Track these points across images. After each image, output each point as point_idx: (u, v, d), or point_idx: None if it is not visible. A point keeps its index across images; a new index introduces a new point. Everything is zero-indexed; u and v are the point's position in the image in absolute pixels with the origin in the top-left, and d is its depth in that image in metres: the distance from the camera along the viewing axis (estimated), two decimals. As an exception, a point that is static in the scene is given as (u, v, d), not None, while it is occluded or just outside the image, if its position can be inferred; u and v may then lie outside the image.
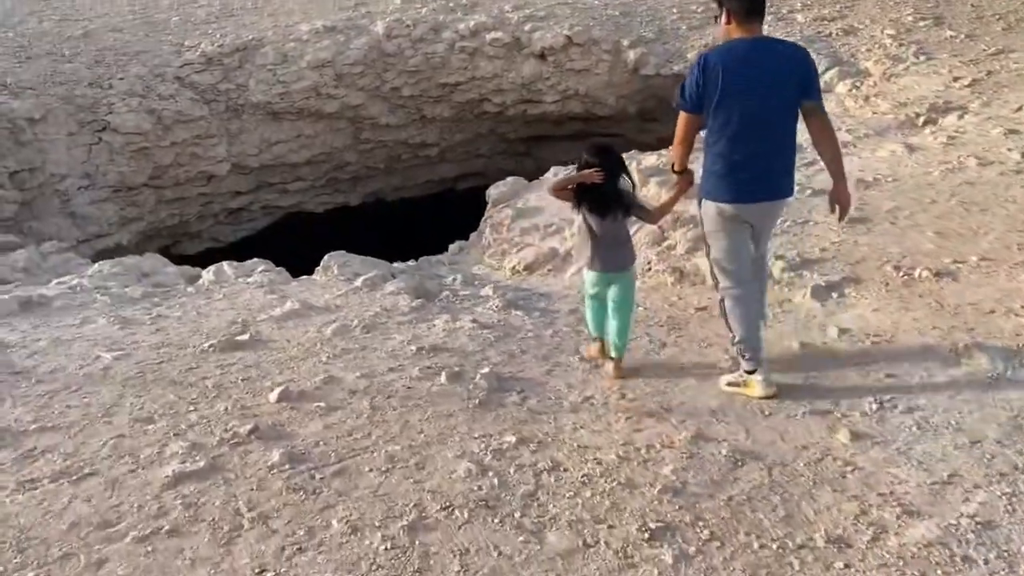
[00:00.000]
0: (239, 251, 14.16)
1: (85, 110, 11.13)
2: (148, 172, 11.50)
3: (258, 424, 3.86)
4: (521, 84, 12.75)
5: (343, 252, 6.88)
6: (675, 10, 13.39)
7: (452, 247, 9.26)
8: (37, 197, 10.82)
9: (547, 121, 13.88)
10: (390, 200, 15.25)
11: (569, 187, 4.44)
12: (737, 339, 4.17)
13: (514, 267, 7.00)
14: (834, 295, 5.16)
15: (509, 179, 9.65)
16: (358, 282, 6.17)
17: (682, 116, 4.12)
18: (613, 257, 4.42)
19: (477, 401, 4.07)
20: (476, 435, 3.74)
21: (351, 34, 12.81)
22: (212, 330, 5.25)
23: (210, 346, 4.91)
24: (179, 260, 13.79)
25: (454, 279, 6.52)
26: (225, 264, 6.74)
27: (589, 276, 4.52)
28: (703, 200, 4.16)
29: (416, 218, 15.94)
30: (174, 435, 3.85)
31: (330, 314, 5.48)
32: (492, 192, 9.43)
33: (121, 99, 11.31)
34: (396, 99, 13.07)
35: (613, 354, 4.48)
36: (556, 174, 9.69)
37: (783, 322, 4.97)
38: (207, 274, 6.65)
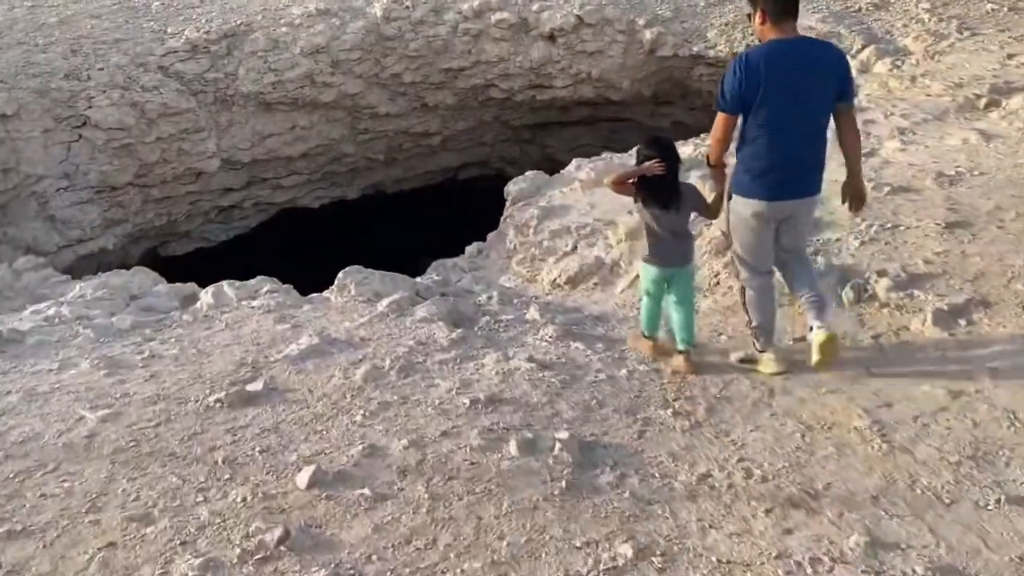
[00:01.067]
0: (231, 250, 13.15)
1: (62, 104, 10.04)
2: (133, 170, 10.44)
3: (288, 528, 2.92)
4: (529, 68, 11.74)
5: (359, 268, 5.92)
6: (689, -14, 12.38)
7: (470, 249, 8.30)
8: (12, 201, 9.75)
9: (555, 107, 12.89)
10: (390, 192, 14.25)
11: (630, 180, 4.41)
12: (754, 324, 4.33)
13: (554, 281, 6.05)
14: (961, 322, 4.26)
15: (529, 174, 8.68)
16: (382, 305, 5.23)
17: (721, 116, 4.05)
18: (674, 252, 4.37)
19: (563, 484, 3.15)
20: (576, 542, 2.80)
21: (346, 17, 11.74)
22: (217, 376, 4.30)
23: (216, 401, 3.96)
24: (168, 262, 12.78)
25: (489, 297, 5.57)
26: (225, 285, 5.76)
27: (648, 271, 4.45)
28: (734, 196, 4.17)
29: (418, 210, 14.96)
30: (180, 544, 2.91)
31: (355, 351, 4.54)
32: (511, 188, 8.47)
33: (101, 92, 10.21)
34: (396, 86, 12.03)
35: (680, 347, 4.40)
36: (579, 167, 8.74)
37: (908, 357, 4.09)
38: (205, 296, 5.67)
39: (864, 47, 9.83)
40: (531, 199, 8.23)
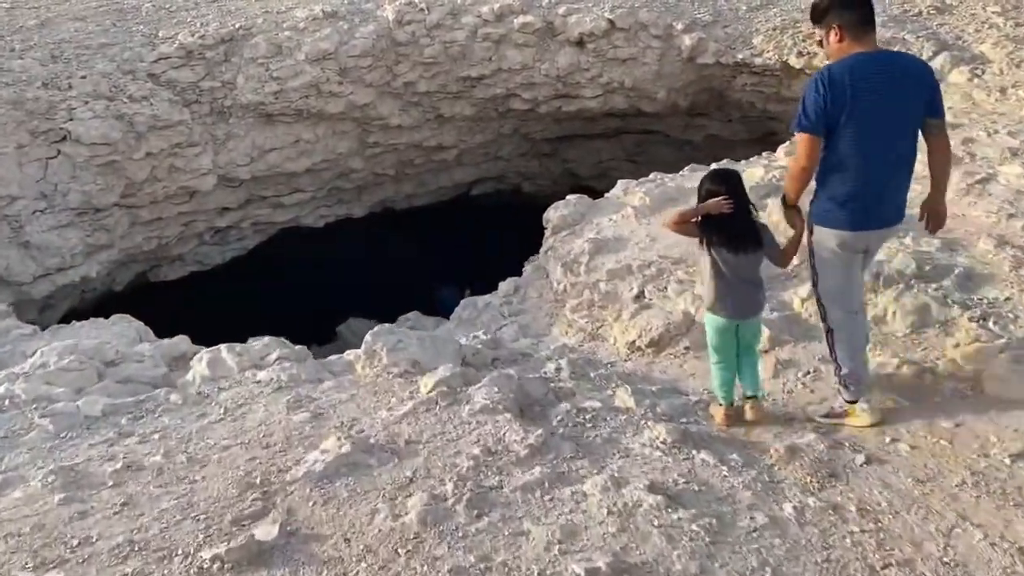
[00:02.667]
0: (228, 274, 11.81)
1: (39, 116, 8.71)
2: (119, 190, 9.11)
3: None
4: (556, 76, 10.48)
5: (390, 328, 4.65)
6: (728, -12, 11.16)
7: (504, 287, 7.04)
8: (-19, 225, 8.44)
9: (580, 119, 11.64)
10: (399, 209, 12.97)
11: (693, 220, 3.82)
12: (845, 371, 3.78)
13: (632, 343, 4.78)
14: None
15: (571, 198, 7.42)
16: (426, 385, 3.97)
17: (805, 138, 3.53)
18: (745, 300, 3.82)
19: None
20: None
21: (355, 20, 10.46)
22: (213, 507, 3.03)
23: (213, 559, 2.70)
24: (159, 288, 11.44)
25: (558, 369, 4.29)
26: (224, 350, 4.48)
27: (714, 322, 3.85)
28: (816, 227, 3.68)
29: (430, 229, 13.68)
30: None
31: (401, 463, 3.27)
32: (552, 215, 7.21)
33: (83, 102, 8.89)
34: (409, 96, 10.76)
35: (749, 392, 3.90)
36: (627, 191, 7.50)
37: None
38: (199, 365, 4.39)
39: (935, 54, 8.62)
40: (575, 228, 6.99)
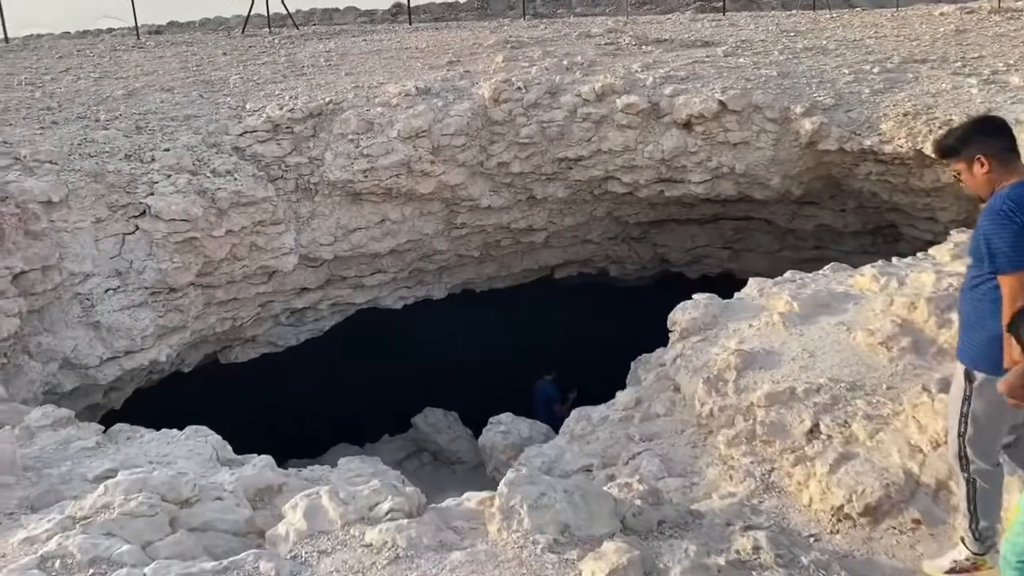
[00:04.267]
0: (299, 355, 11.05)
1: (119, 190, 8.11)
2: (196, 269, 8.41)
3: None
4: (660, 160, 9.63)
5: (528, 475, 3.62)
6: (845, 70, 10.28)
7: (623, 398, 6.01)
8: (51, 304, 7.75)
9: (679, 204, 10.76)
10: (479, 291, 12.13)
11: None
12: (984, 524, 3.43)
13: (839, 509, 3.71)
14: None
15: (700, 298, 6.41)
16: (589, 569, 2.96)
17: (1016, 279, 3.11)
18: None
19: None
20: None
21: (449, 98, 9.81)
22: None
23: None
24: (227, 370, 10.71)
25: (756, 548, 3.23)
26: (324, 496, 3.46)
27: None
28: (979, 374, 3.31)
29: (511, 311, 12.79)
30: None
31: None
32: (679, 318, 6.20)
33: (165, 176, 8.29)
34: (502, 177, 10.00)
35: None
36: (763, 292, 6.48)
37: None
38: (294, 515, 3.40)
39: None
40: (708, 333, 5.97)
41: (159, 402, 9.69)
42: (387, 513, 3.42)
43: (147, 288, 8.18)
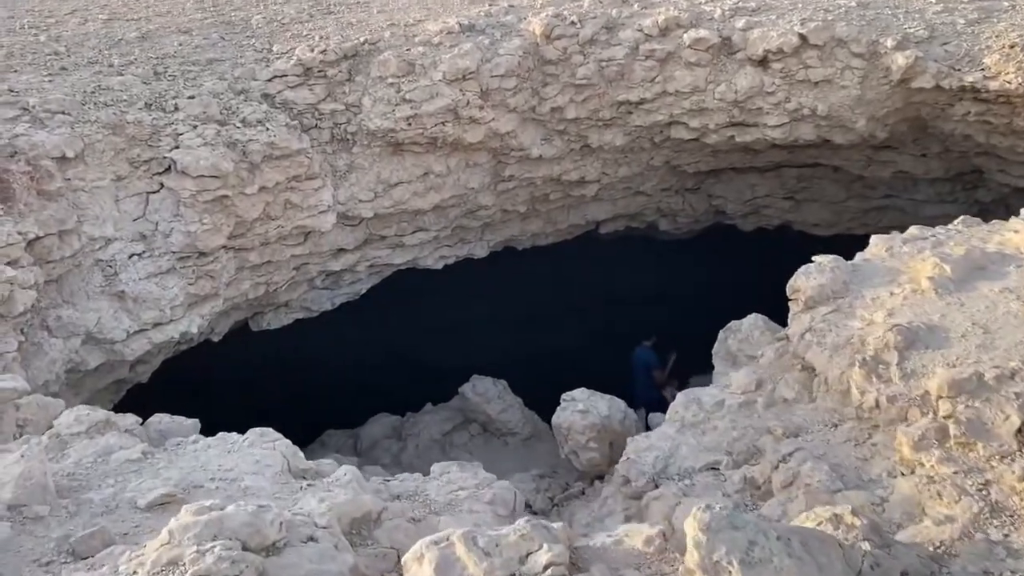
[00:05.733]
0: (334, 321, 10.18)
1: (140, 143, 7.14)
2: (227, 230, 7.48)
3: None
4: (733, 101, 8.60)
5: (726, 515, 2.73)
6: None
7: (739, 379, 5.15)
8: (69, 272, 6.85)
9: (742, 151, 9.76)
10: (521, 249, 11.19)
11: None
12: None
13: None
14: None
15: (824, 260, 5.47)
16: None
17: None
18: None
19: None
20: None
21: (496, 35, 8.73)
22: None
23: None
24: (257, 335, 9.84)
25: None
26: (458, 543, 2.55)
27: None
28: None
29: (555, 270, 11.89)
30: None
31: None
32: (804, 284, 5.27)
33: (191, 126, 7.30)
34: (555, 123, 8.98)
35: None
36: (891, 250, 5.55)
37: None
38: (421, 569, 2.60)
39: None
40: (839, 302, 5.06)
41: (186, 370, 8.85)
42: (545, 569, 2.55)
43: (175, 253, 7.28)
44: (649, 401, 9.22)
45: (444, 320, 12.03)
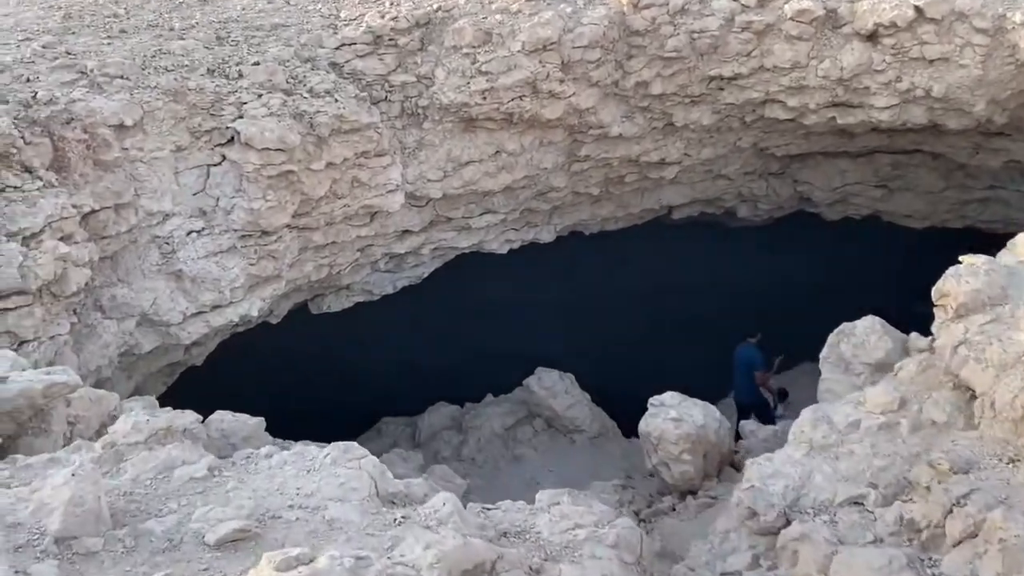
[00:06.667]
0: (395, 304, 9.66)
1: (202, 112, 6.62)
2: (292, 208, 6.95)
3: None
4: (837, 79, 7.80)
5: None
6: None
7: (875, 396, 4.51)
8: (125, 249, 6.38)
9: (837, 134, 8.96)
10: (588, 234, 10.52)
11: None
12: None
13: None
14: None
15: (977, 261, 4.73)
16: None
17: None
18: None
19: None
20: None
21: (579, 2, 8.01)
22: None
23: None
24: (318, 321, 9.37)
25: None
26: None
27: None
28: None
29: (620, 257, 11.20)
30: None
31: None
32: (953, 289, 4.54)
33: (255, 95, 6.77)
34: (639, 99, 8.28)
35: None
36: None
37: None
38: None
39: None
40: (999, 311, 4.35)
41: (238, 351, 8.37)
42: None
43: (236, 231, 6.78)
44: (749, 404, 8.50)
45: (500, 305, 11.42)
